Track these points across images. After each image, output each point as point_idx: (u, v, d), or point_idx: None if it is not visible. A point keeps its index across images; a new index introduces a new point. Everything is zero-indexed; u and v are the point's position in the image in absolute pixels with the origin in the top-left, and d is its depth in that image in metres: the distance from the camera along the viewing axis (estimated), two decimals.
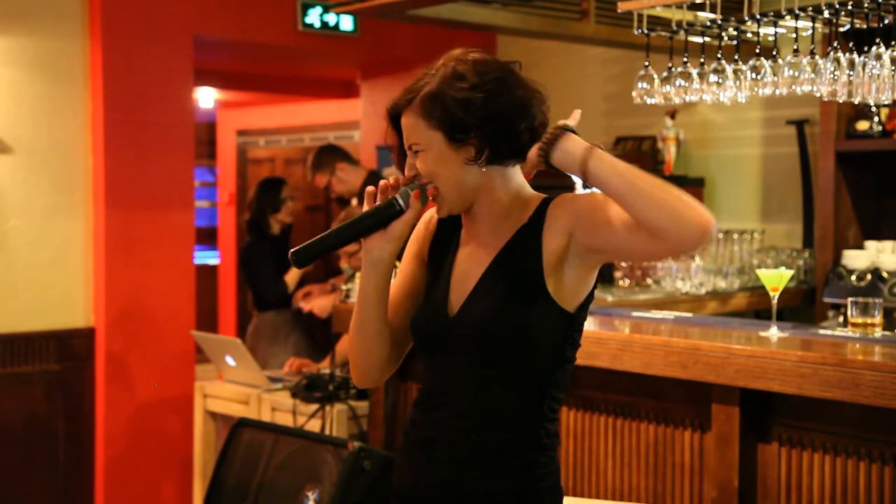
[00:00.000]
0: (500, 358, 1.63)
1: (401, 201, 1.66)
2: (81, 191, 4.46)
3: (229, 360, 4.03)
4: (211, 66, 5.97)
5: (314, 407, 3.62)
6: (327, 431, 3.54)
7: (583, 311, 1.70)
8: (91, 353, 4.47)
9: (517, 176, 1.72)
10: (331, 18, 5.08)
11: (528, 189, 1.74)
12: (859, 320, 2.64)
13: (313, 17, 5.02)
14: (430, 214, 1.83)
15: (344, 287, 3.78)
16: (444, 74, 1.66)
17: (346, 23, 5.14)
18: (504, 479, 1.63)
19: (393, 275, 1.74)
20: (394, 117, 1.72)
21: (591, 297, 1.71)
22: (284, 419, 3.68)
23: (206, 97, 7.67)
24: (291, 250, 1.64)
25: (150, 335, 4.55)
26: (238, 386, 4.00)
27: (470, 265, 1.71)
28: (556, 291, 1.63)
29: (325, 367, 3.94)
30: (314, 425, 3.58)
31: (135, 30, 4.50)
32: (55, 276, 4.41)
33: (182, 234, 4.67)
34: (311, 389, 3.67)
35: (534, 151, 1.65)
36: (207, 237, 8.85)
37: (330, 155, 4.80)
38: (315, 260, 1.66)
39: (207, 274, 8.38)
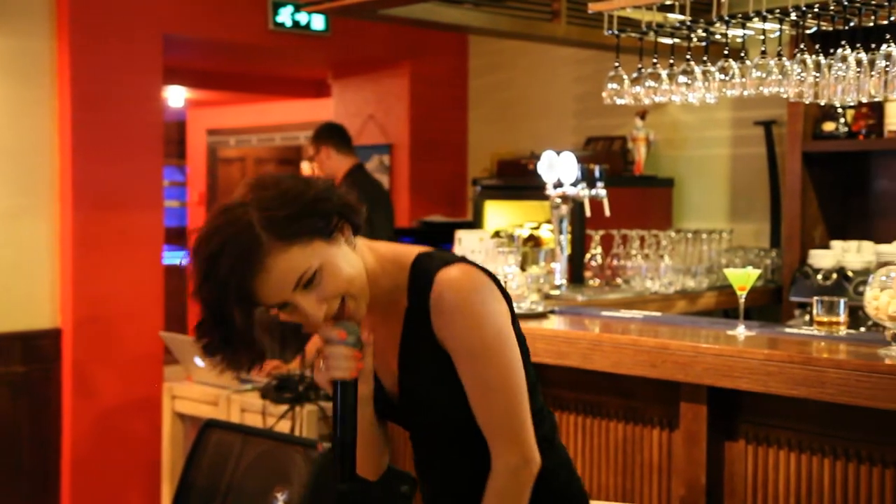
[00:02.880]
0: (458, 435, 1.67)
1: (360, 361, 1.59)
2: (48, 191, 4.42)
3: (198, 361, 4.00)
4: (181, 65, 5.93)
5: (284, 408, 3.61)
6: (297, 432, 3.53)
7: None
8: (57, 355, 4.43)
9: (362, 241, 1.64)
10: (302, 17, 5.06)
11: (377, 247, 1.65)
12: (825, 319, 2.66)
13: (284, 16, 5.00)
14: None
15: None
16: (257, 201, 1.50)
17: (318, 22, 5.12)
18: None
19: None
20: (246, 295, 1.48)
21: (521, 341, 1.67)
22: (254, 420, 3.67)
23: (175, 96, 7.62)
24: (346, 488, 1.57)
25: (118, 336, 4.51)
26: (207, 387, 3.98)
27: (382, 357, 1.68)
28: None
29: (295, 368, 3.92)
30: (284, 426, 3.57)
31: (103, 28, 4.46)
32: (21, 276, 4.36)
33: (151, 234, 4.64)
34: (281, 390, 3.66)
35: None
36: (177, 237, 8.79)
37: (325, 136, 4.64)
38: (353, 463, 1.59)
39: (177, 274, 8.28)
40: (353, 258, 1.58)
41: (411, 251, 1.65)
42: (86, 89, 4.40)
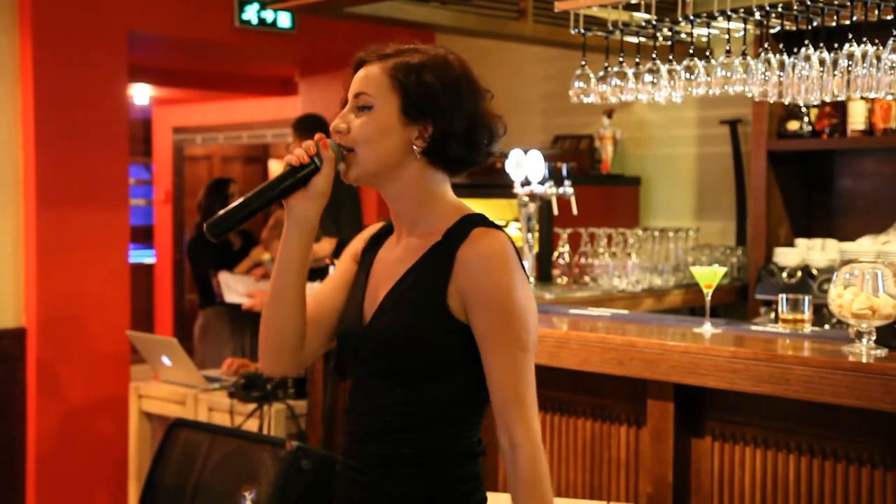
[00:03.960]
0: (403, 370, 1.62)
1: (317, 159, 1.61)
2: (12, 188, 4.36)
3: (165, 360, 3.98)
4: (146, 63, 5.88)
5: (252, 406, 3.59)
6: (265, 431, 3.52)
7: None
8: (22, 354, 4.37)
9: (444, 183, 1.68)
10: (268, 15, 5.03)
11: (450, 196, 1.69)
12: (789, 316, 2.69)
13: (250, 13, 4.97)
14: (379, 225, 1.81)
15: None
16: (436, 55, 1.63)
17: (284, 19, 5.10)
18: (417, 485, 1.63)
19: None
20: (358, 67, 1.68)
21: None
22: (222, 419, 3.65)
23: (141, 94, 7.55)
24: (205, 222, 1.57)
25: (84, 335, 4.47)
26: (174, 386, 3.96)
27: (385, 272, 1.69)
28: (457, 311, 1.60)
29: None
30: (252, 425, 3.55)
31: (67, 25, 4.41)
32: None
33: (116, 232, 4.59)
34: (249, 389, 3.64)
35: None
36: (143, 236, 8.72)
37: (306, 127, 4.52)
38: (232, 230, 1.59)
39: (143, 273, 8.26)
40: (400, 164, 1.62)
41: (471, 209, 1.69)
42: (50, 86, 4.35)
